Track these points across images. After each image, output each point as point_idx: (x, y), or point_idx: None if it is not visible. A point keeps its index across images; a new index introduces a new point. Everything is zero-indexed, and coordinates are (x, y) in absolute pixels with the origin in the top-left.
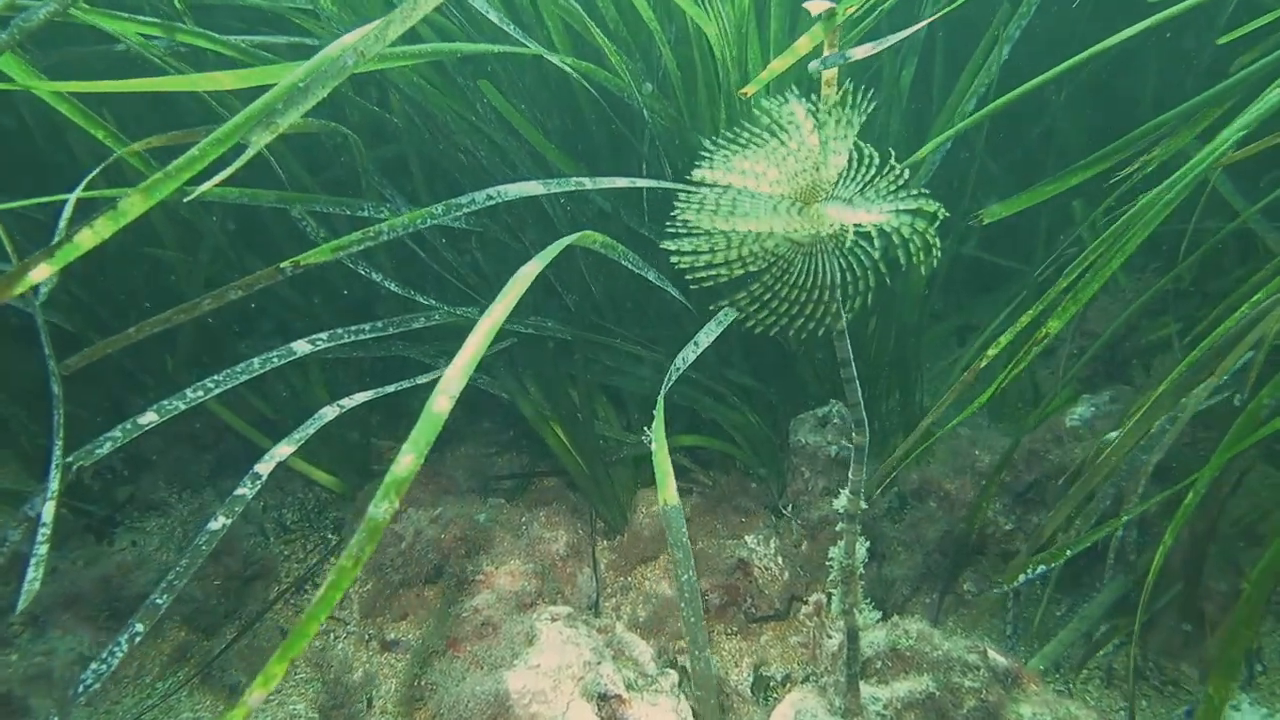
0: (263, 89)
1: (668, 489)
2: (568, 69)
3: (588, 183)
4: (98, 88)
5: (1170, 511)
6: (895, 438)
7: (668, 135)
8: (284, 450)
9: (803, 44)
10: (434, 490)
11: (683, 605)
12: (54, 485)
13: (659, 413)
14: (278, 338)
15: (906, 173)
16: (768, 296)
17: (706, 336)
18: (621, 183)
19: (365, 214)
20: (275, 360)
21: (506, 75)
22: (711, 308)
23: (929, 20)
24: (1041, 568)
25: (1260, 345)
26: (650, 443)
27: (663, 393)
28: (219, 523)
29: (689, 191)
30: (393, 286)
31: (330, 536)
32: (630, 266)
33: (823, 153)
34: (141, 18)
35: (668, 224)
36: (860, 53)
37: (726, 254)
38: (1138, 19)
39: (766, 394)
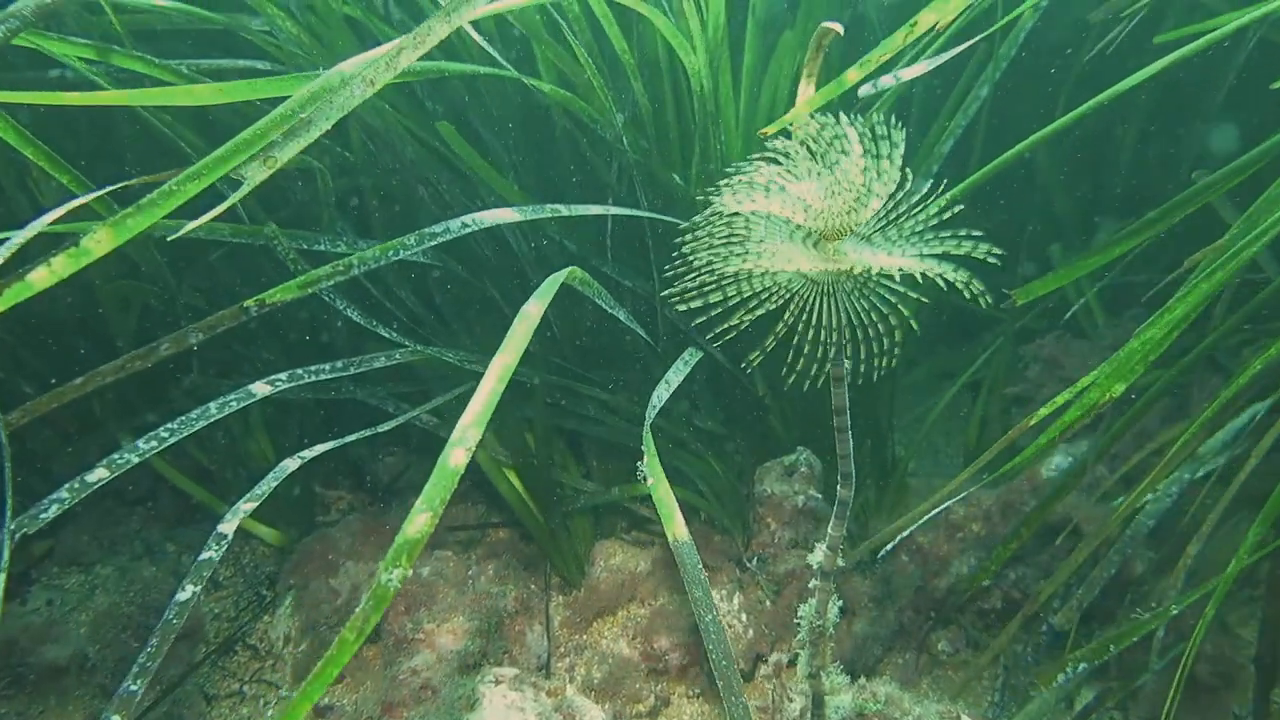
0: (235, 120)
1: (674, 525)
2: (544, 92)
3: (564, 209)
4: (55, 99)
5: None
6: (866, 489)
7: (640, 169)
8: (247, 506)
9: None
10: (377, 542)
11: (709, 648)
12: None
13: (648, 446)
14: (222, 378)
15: (942, 206)
16: (774, 327)
17: (676, 374)
18: (597, 210)
19: (323, 248)
20: (234, 404)
21: (475, 107)
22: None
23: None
24: (1083, 665)
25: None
26: (647, 480)
27: (647, 425)
28: (187, 593)
29: (671, 222)
30: (355, 315)
31: (265, 593)
32: (603, 305)
33: (865, 181)
34: (73, 38)
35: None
36: (910, 73)
37: (736, 284)
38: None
39: (732, 441)
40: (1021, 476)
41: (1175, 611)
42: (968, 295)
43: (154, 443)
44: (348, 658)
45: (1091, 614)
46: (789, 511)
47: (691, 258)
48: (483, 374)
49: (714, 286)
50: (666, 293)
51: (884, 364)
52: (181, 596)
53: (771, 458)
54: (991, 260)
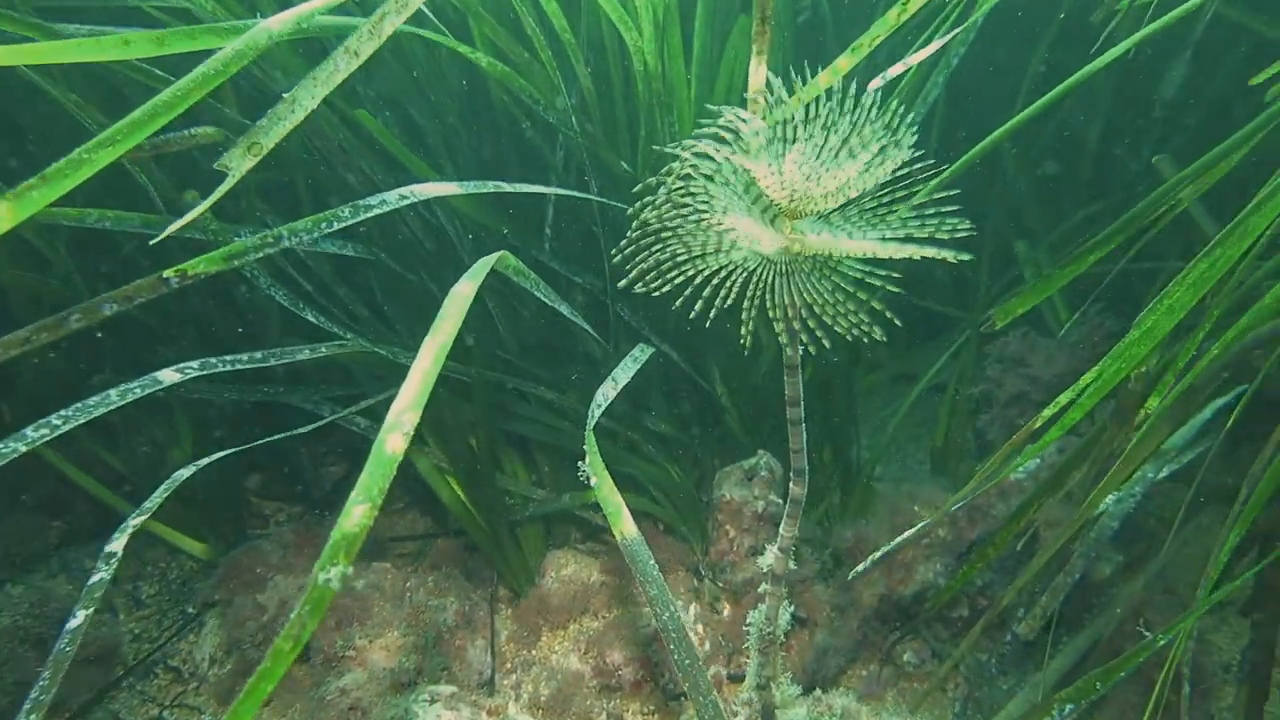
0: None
1: (622, 523)
2: (483, 65)
3: (506, 186)
4: None
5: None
6: (830, 494)
7: (588, 154)
8: (135, 521)
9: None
10: (311, 554)
11: (672, 648)
12: None
13: (590, 445)
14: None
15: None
16: (725, 299)
17: (625, 372)
18: (542, 189)
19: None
20: (138, 391)
21: (413, 94)
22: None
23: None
24: (1070, 706)
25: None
26: (590, 479)
27: (590, 426)
28: (78, 619)
29: (620, 208)
30: (280, 297)
31: (191, 610)
32: (542, 297)
33: (830, 160)
34: None
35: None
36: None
37: (690, 260)
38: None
39: (690, 445)
40: (990, 479)
41: (1161, 642)
42: (944, 258)
43: (45, 430)
44: (282, 671)
45: (1058, 619)
46: (749, 517)
47: (645, 225)
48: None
49: (668, 258)
50: (617, 255)
51: (846, 350)
52: (73, 624)
53: (731, 461)
54: (961, 234)
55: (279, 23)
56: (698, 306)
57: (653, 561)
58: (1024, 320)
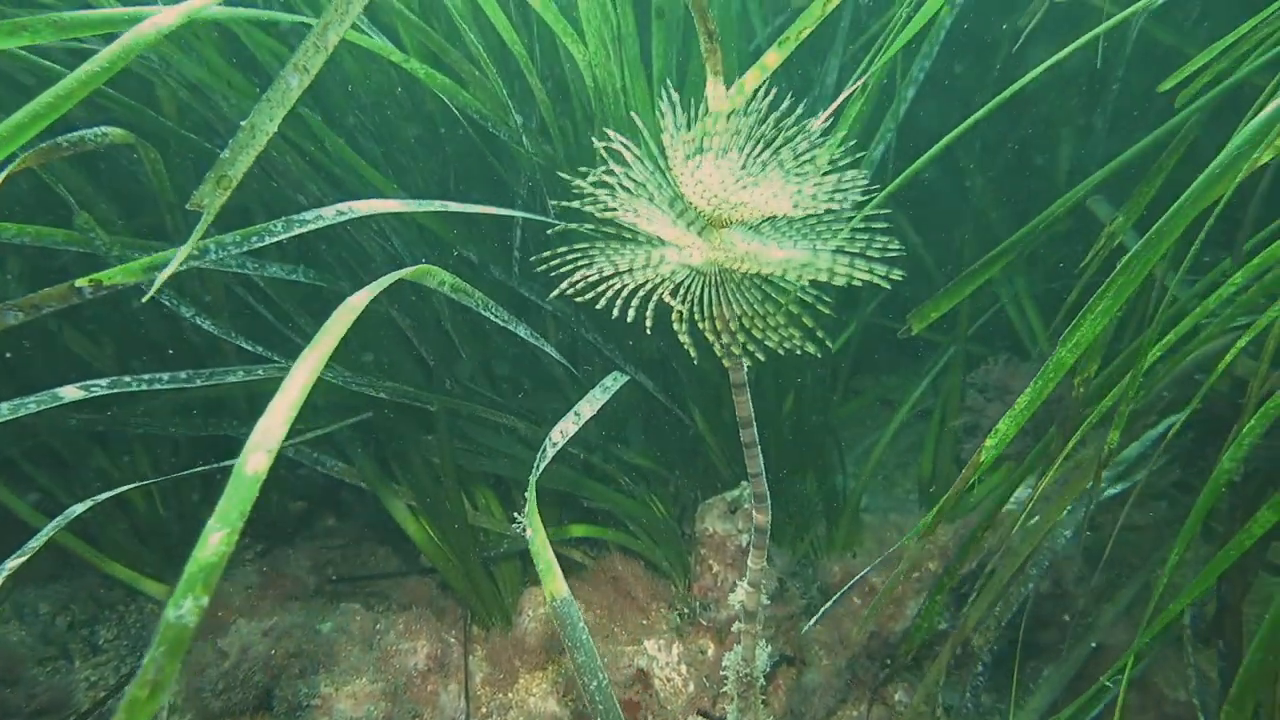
0: None
1: (553, 580)
2: (424, 81)
3: (454, 205)
4: None
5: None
6: (815, 525)
7: (544, 172)
8: (13, 564)
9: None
10: (276, 596)
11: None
12: None
13: (531, 495)
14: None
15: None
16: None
17: (590, 405)
18: (494, 210)
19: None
20: (33, 405)
21: (363, 110)
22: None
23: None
24: None
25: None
26: (526, 531)
27: (534, 475)
28: None
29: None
30: (208, 326)
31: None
32: (493, 317)
33: (749, 170)
34: None
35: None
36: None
37: (616, 276)
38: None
39: (669, 478)
40: (979, 509)
41: (1117, 681)
42: (871, 279)
43: None
44: (146, 717)
45: (1033, 649)
46: (733, 551)
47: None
48: (376, 398)
49: (594, 274)
50: (540, 266)
51: (820, 374)
52: None
53: (713, 493)
54: (891, 253)
55: (174, 15)
56: (630, 316)
57: (582, 624)
58: (1005, 347)
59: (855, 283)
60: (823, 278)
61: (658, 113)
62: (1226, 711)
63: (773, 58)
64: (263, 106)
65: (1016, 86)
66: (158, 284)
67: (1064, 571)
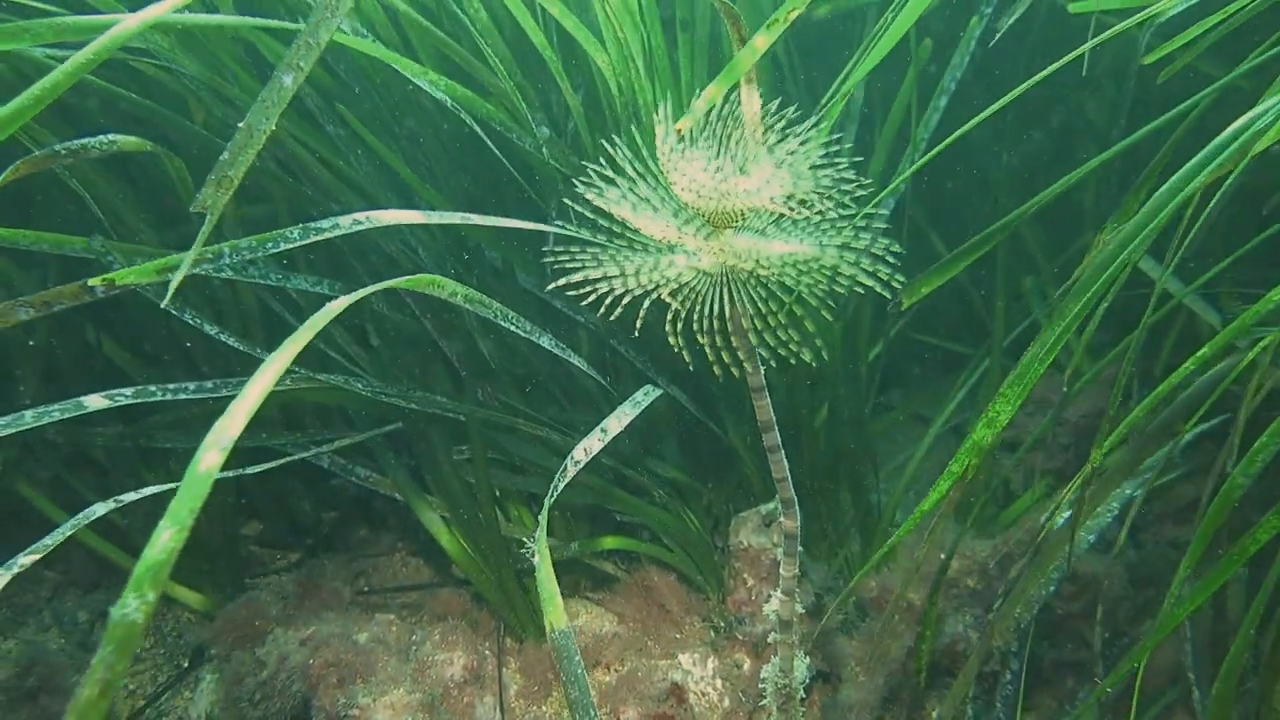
0: None
1: (555, 612)
2: (444, 96)
3: (475, 218)
4: None
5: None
6: (850, 541)
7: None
8: (27, 560)
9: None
10: (311, 606)
11: None
12: None
13: (543, 520)
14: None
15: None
16: (673, 328)
17: (618, 421)
18: (516, 223)
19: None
20: (56, 413)
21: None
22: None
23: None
24: None
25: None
26: (534, 556)
27: (549, 500)
28: None
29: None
30: (230, 338)
31: (185, 664)
32: (514, 328)
33: (748, 171)
34: None
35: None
36: None
37: (623, 279)
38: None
39: (702, 491)
40: (1019, 525)
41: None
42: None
43: None
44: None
45: (1072, 667)
46: (767, 565)
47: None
48: (404, 409)
49: (600, 277)
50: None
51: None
52: None
53: (746, 507)
54: (891, 255)
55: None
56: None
57: (579, 658)
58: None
59: (856, 285)
60: (825, 273)
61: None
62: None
63: (761, 40)
64: (259, 107)
65: (1017, 92)
66: (174, 284)
67: (1105, 589)
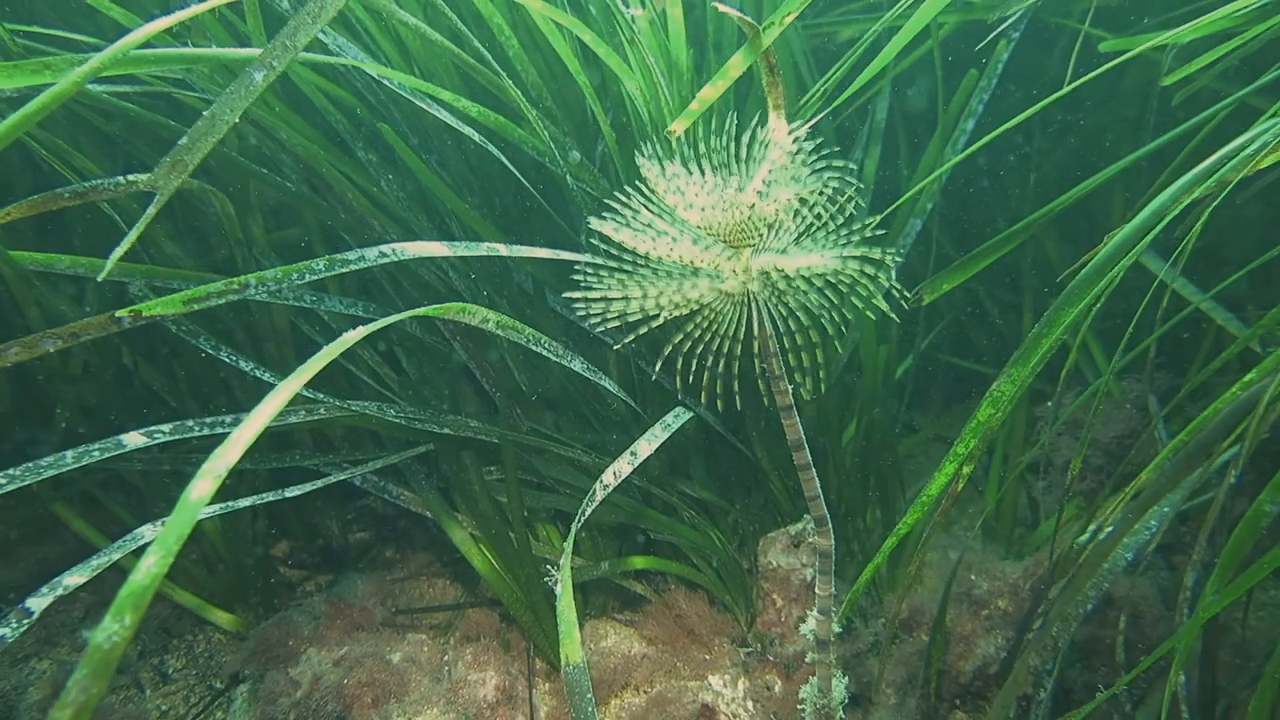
0: None
1: (571, 643)
2: (466, 123)
3: (502, 249)
4: None
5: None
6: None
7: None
8: (73, 580)
9: (734, 65)
10: (343, 626)
11: None
12: None
13: (568, 547)
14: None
15: (849, 220)
16: (699, 351)
17: (649, 444)
18: (542, 253)
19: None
20: (96, 454)
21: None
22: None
23: None
24: None
25: (1245, 438)
26: (556, 584)
27: (576, 525)
28: None
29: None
30: (259, 371)
31: (219, 685)
32: (545, 352)
33: (766, 190)
34: None
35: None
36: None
37: (643, 301)
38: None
39: (731, 511)
40: (1050, 548)
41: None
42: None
43: None
44: None
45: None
46: (796, 586)
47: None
48: (436, 433)
49: (623, 301)
50: (572, 295)
51: (814, 380)
52: None
53: (775, 527)
54: (887, 262)
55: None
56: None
57: (590, 696)
58: (1075, 380)
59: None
60: (844, 287)
61: (712, 142)
62: None
63: (755, 45)
64: (226, 98)
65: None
66: (225, 293)
67: (1142, 611)
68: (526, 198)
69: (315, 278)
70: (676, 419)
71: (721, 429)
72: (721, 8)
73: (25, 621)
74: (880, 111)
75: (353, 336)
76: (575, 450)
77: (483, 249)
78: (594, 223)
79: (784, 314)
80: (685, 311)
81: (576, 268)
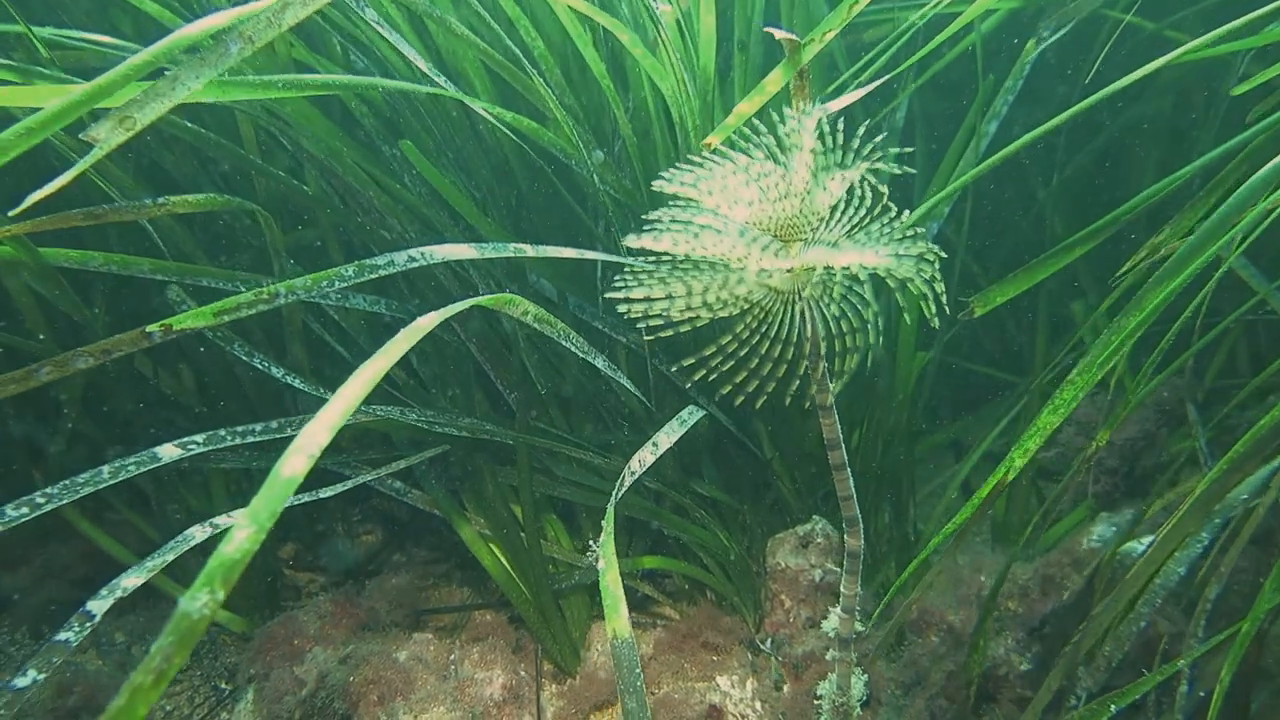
0: None
1: (618, 618)
2: (494, 120)
3: (529, 249)
4: None
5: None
6: (887, 564)
7: (622, 212)
8: (131, 582)
9: (772, 81)
10: (349, 625)
11: None
12: None
13: (608, 525)
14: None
15: (904, 215)
16: (743, 352)
17: (668, 436)
18: (569, 253)
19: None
20: (132, 468)
21: (436, 146)
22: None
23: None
24: None
25: None
26: (599, 561)
27: (613, 501)
28: (27, 678)
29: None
30: (282, 375)
31: (224, 686)
32: (573, 349)
33: (815, 182)
34: None
35: (616, 278)
36: (836, 105)
37: (688, 299)
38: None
39: (740, 511)
40: (1060, 548)
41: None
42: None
43: (25, 509)
44: (144, 709)
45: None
46: (805, 587)
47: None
48: (456, 436)
49: (670, 296)
50: (612, 296)
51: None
52: (20, 682)
53: (784, 528)
54: (929, 259)
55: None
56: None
57: (639, 670)
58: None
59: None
60: (896, 284)
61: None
62: None
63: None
64: (193, 64)
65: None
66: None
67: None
68: (551, 201)
69: (345, 285)
70: (691, 415)
71: (733, 428)
72: (778, 34)
73: (88, 624)
74: (900, 111)
75: (427, 321)
76: (588, 452)
77: (510, 249)
78: (630, 240)
79: (836, 314)
80: (735, 311)
81: (623, 268)
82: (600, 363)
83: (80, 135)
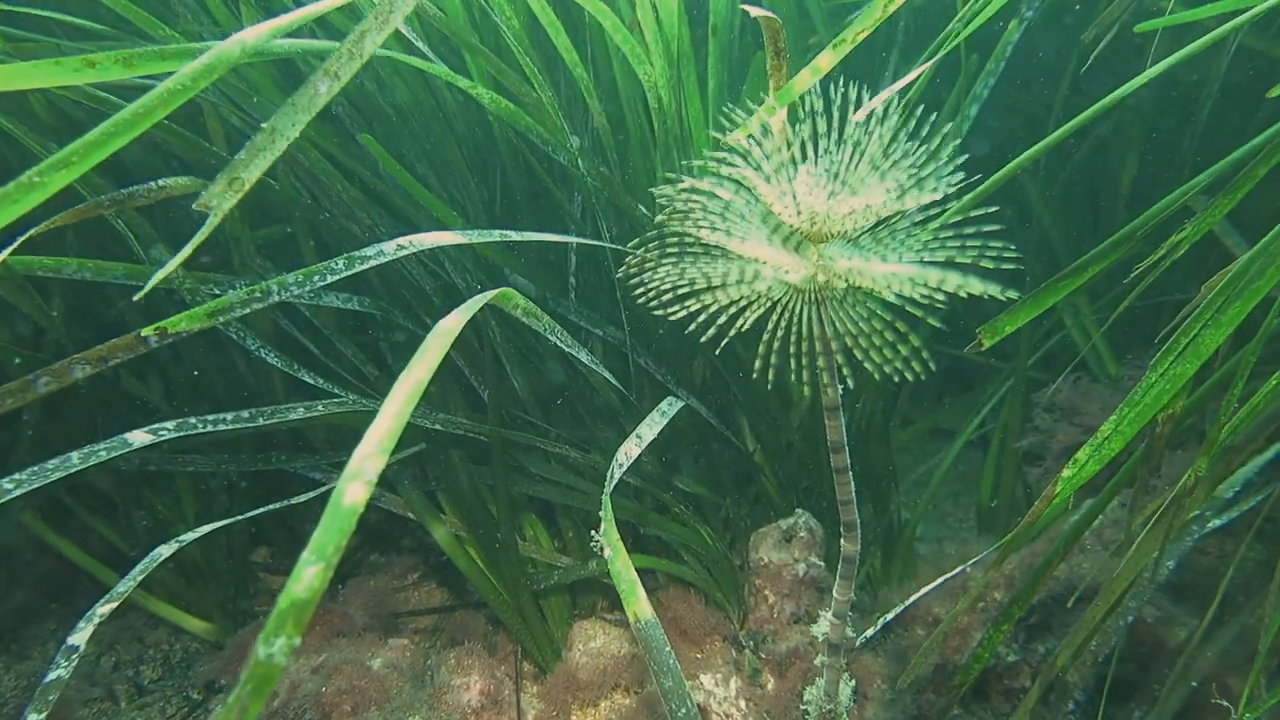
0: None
1: (637, 601)
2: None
3: (514, 235)
4: None
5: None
6: (871, 557)
7: (601, 196)
8: (106, 609)
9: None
10: (323, 633)
11: None
12: None
13: (606, 513)
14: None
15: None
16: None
17: (650, 428)
18: (552, 237)
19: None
20: (103, 454)
21: (412, 136)
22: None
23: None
24: None
25: None
26: (604, 549)
27: (608, 491)
28: None
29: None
30: (273, 359)
31: (195, 696)
32: (557, 341)
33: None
34: None
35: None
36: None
37: (711, 293)
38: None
39: (723, 506)
40: (1045, 537)
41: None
42: (987, 296)
43: None
44: None
45: (1128, 691)
46: (789, 581)
47: (659, 261)
48: (425, 430)
49: (684, 284)
50: (623, 271)
51: (881, 399)
52: None
53: (766, 522)
54: (1007, 261)
55: (254, 35)
56: (712, 334)
57: (669, 649)
58: (1072, 371)
59: (965, 295)
60: (932, 290)
61: (713, 130)
62: None
63: (826, 59)
64: (287, 110)
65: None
66: (250, 310)
67: (1147, 609)
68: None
69: (336, 277)
70: (671, 406)
71: (714, 420)
72: (754, 11)
73: (74, 658)
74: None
75: (453, 323)
76: (565, 447)
77: (495, 235)
78: (661, 189)
79: (862, 315)
80: (760, 311)
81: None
82: (584, 356)
83: (194, 206)
